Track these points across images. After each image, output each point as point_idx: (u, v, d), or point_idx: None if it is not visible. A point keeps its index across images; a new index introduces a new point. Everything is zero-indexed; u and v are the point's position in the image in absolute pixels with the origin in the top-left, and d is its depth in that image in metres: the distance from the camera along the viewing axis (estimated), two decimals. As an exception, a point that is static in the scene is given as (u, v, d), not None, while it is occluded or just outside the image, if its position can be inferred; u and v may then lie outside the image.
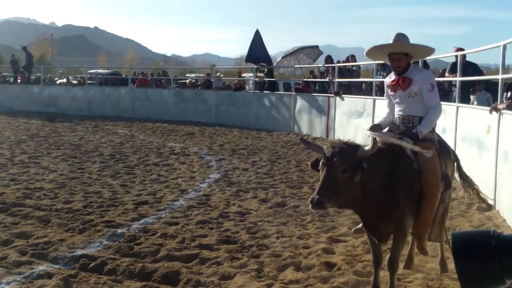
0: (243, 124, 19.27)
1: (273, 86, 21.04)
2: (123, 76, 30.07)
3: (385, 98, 5.42)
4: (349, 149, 4.26)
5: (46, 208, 7.47)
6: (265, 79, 21.80)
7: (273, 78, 22.26)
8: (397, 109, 5.14)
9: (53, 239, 6.06)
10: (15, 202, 7.67)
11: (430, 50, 5.37)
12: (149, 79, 26.20)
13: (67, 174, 10.08)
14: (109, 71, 34.39)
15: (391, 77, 5.19)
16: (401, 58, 5.01)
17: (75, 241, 6.04)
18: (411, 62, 5.14)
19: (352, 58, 18.42)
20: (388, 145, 4.69)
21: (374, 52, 5.43)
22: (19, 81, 27.64)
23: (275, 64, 23.06)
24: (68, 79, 29.84)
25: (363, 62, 17.94)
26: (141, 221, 7.01)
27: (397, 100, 5.09)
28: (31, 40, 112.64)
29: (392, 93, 5.13)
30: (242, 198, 8.52)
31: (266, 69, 22.12)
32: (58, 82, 30.45)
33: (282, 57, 22.64)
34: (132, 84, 24.90)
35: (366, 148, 4.30)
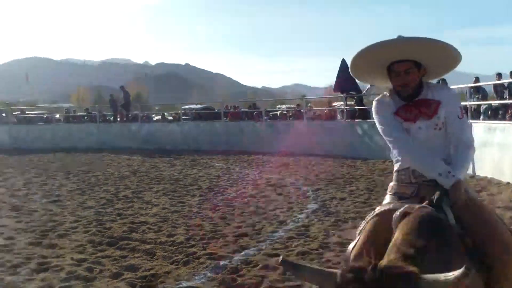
0: (337, 153, 19.14)
1: (364, 114, 20.86)
2: (216, 110, 30.83)
3: (386, 133, 3.43)
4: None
5: (151, 241, 7.72)
6: (356, 107, 21.70)
7: (364, 106, 22.10)
8: None
9: (159, 272, 6.25)
10: (122, 236, 7.99)
11: (456, 58, 3.42)
12: (241, 112, 26.72)
13: (168, 207, 10.38)
14: (202, 106, 35.35)
15: (393, 103, 3.42)
16: (410, 69, 3.27)
17: (180, 273, 6.19)
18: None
19: (443, 82, 17.96)
20: (422, 216, 2.84)
21: (364, 61, 3.42)
22: (118, 119, 28.95)
23: (364, 92, 22.91)
24: (163, 115, 30.92)
25: (454, 85, 17.44)
26: (242, 253, 7.09)
27: (413, 134, 3.36)
28: (128, 79, 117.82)
29: (404, 122, 3.36)
30: (342, 228, 8.42)
31: (355, 98, 22.02)
32: (154, 118, 31.64)
33: (371, 85, 22.41)
34: (225, 118, 25.45)
35: (448, 276, 2.15)
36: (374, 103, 3.52)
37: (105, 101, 47.61)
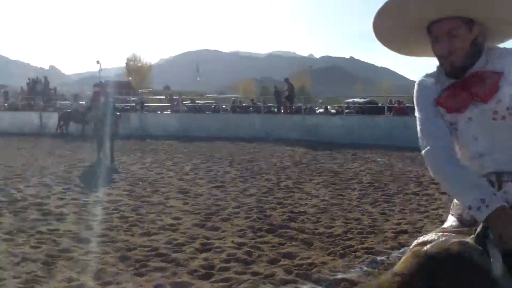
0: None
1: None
2: (380, 104, 30.31)
3: (424, 132, 2.29)
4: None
5: (309, 231, 7.77)
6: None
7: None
8: (460, 154, 2.31)
9: (316, 261, 6.28)
10: (281, 224, 8.13)
11: None
12: (405, 106, 26.02)
13: (328, 200, 10.39)
14: (366, 99, 34.94)
15: (435, 85, 2.33)
16: (459, 29, 2.13)
17: (336, 265, 6.18)
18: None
19: None
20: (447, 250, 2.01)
21: (392, 20, 2.25)
22: (282, 111, 29.52)
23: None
24: (326, 108, 31.01)
25: None
26: (401, 250, 6.89)
27: (462, 130, 2.25)
28: (292, 72, 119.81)
29: (450, 114, 2.25)
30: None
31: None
32: (317, 111, 31.84)
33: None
34: (388, 112, 24.93)
35: None
36: (415, 87, 2.40)
37: (269, 92, 48.76)
